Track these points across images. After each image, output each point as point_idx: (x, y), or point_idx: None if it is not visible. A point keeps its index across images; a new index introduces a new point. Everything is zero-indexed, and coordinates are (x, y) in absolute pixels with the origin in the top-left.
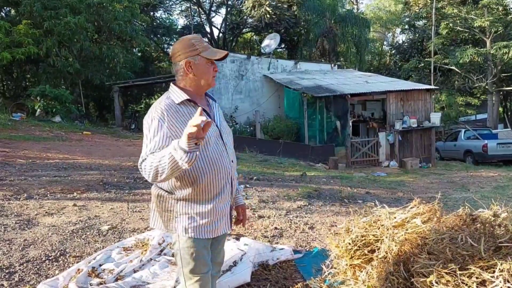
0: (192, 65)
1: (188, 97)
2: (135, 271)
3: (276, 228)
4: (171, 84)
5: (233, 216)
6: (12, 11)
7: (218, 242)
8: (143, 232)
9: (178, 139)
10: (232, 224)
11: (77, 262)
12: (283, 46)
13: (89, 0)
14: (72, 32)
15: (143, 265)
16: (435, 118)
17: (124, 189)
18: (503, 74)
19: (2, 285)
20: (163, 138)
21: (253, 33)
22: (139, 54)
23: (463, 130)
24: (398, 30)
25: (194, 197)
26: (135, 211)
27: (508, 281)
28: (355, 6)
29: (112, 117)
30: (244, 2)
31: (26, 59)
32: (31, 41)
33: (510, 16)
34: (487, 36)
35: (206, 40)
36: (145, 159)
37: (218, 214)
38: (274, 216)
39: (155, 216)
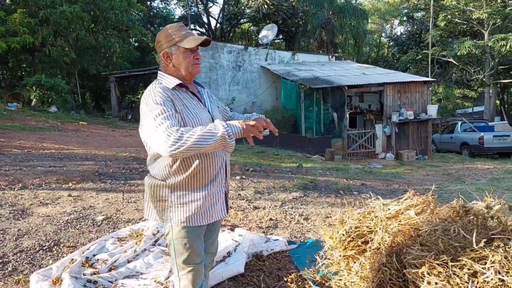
0: (170, 56)
1: (180, 81)
2: (129, 262)
3: (271, 219)
4: (159, 71)
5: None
6: (7, 0)
7: (212, 232)
8: (138, 222)
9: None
10: (229, 210)
11: (71, 252)
12: (280, 37)
13: None
14: (68, 21)
15: (137, 255)
16: (432, 110)
17: (119, 179)
18: (500, 67)
19: None
20: (172, 115)
21: (250, 24)
22: (136, 44)
23: (459, 123)
24: (397, 21)
25: (188, 183)
26: (130, 202)
27: (499, 273)
28: None
29: (108, 108)
30: None
31: (22, 49)
32: (27, 30)
33: (508, 9)
34: (485, 28)
35: (189, 27)
36: (181, 134)
37: (212, 199)
38: (270, 207)
39: (149, 206)
